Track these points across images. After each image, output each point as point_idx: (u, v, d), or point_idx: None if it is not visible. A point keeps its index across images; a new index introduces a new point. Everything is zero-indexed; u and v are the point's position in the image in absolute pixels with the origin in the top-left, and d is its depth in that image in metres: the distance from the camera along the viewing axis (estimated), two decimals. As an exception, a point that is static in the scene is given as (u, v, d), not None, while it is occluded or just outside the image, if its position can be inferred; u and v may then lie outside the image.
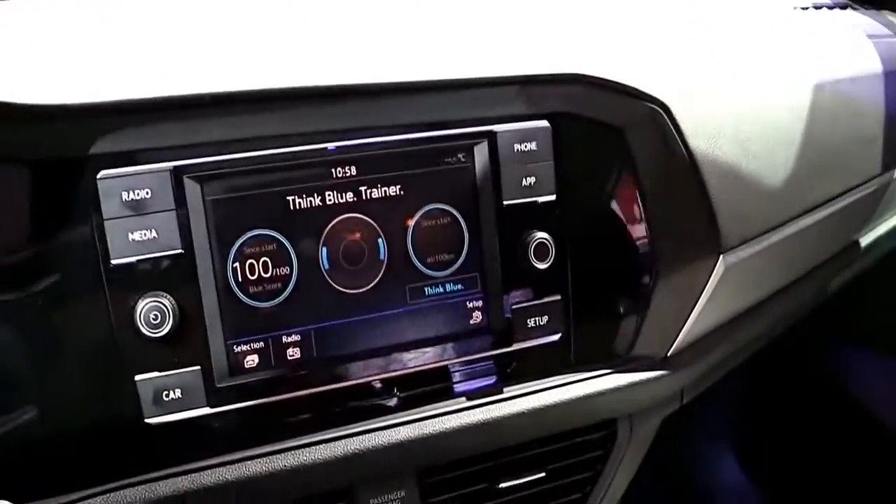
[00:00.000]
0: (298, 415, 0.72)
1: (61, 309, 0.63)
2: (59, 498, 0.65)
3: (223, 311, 0.67)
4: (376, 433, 0.74)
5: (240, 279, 0.67)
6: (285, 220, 0.68)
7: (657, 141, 0.77)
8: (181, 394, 0.66)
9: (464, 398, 0.78)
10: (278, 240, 0.68)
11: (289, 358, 0.70)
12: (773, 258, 0.88)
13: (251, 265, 0.67)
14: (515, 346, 0.77)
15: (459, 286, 0.75)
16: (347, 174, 0.69)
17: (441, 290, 0.74)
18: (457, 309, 0.75)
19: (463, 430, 0.77)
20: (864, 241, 1.11)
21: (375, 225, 0.71)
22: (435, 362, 0.75)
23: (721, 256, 0.80)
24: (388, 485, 0.79)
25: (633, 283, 0.82)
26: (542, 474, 0.87)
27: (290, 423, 0.72)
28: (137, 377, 0.65)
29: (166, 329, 0.64)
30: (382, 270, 0.72)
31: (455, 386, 0.77)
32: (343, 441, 0.73)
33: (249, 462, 0.70)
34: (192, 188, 0.65)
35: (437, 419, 0.76)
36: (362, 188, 0.70)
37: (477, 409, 0.78)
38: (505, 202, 0.75)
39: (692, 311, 0.82)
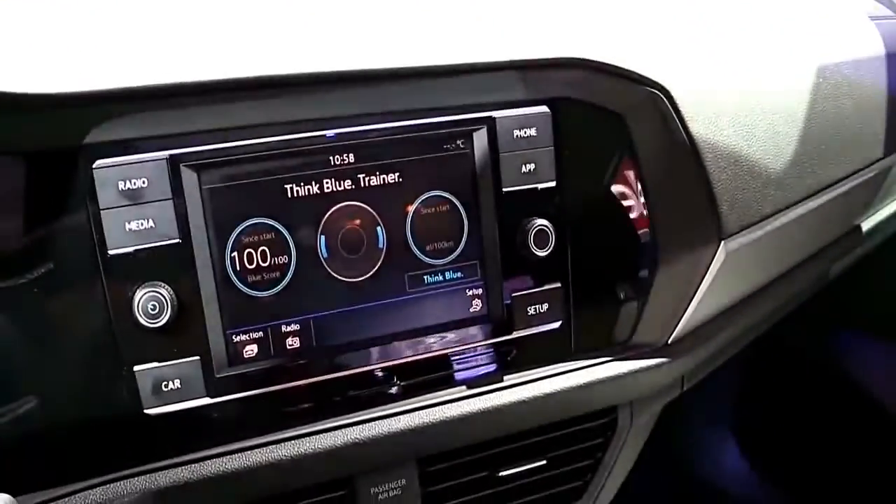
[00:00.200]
0: (298, 404, 0.72)
1: (59, 300, 0.63)
2: (58, 489, 0.65)
3: (221, 301, 0.67)
4: (376, 422, 0.74)
5: (238, 268, 0.67)
6: (283, 208, 0.67)
7: (657, 126, 0.76)
8: (180, 384, 0.66)
9: (464, 386, 0.78)
10: (276, 228, 0.67)
11: (288, 347, 0.69)
12: (775, 244, 0.88)
13: (249, 254, 0.67)
14: (515, 334, 0.77)
15: (459, 274, 0.74)
16: (346, 162, 0.69)
17: (440, 278, 0.73)
18: (456, 297, 0.74)
19: (463, 418, 0.77)
20: (866, 226, 1.11)
21: (374, 213, 0.70)
22: (435, 351, 0.75)
23: (722, 243, 0.80)
24: (388, 474, 0.79)
25: (634, 269, 0.82)
26: (543, 462, 0.87)
27: (290, 412, 0.72)
28: (136, 368, 0.65)
29: (164, 319, 0.63)
30: (381, 258, 0.71)
31: (455, 374, 0.77)
32: (343, 430, 0.73)
33: (249, 452, 0.70)
34: (189, 177, 0.64)
35: (437, 408, 0.76)
36: (361, 176, 0.69)
37: (477, 398, 0.78)
38: (504, 189, 0.74)
39: (693, 297, 0.82)
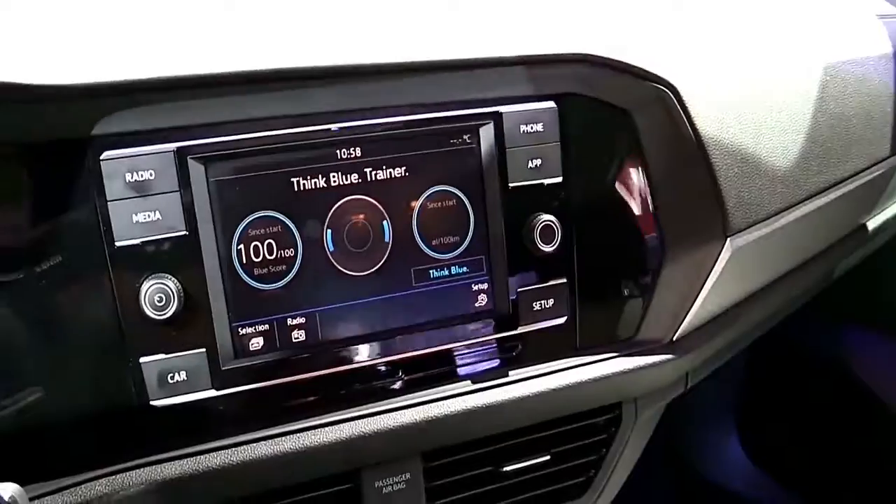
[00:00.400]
0: (303, 398, 0.72)
1: (66, 291, 0.63)
2: (64, 479, 0.65)
3: (228, 294, 0.67)
4: (381, 416, 0.74)
5: (244, 261, 0.67)
6: (290, 201, 0.67)
7: (664, 122, 0.76)
8: (186, 376, 0.66)
9: (469, 381, 0.78)
10: (283, 221, 0.67)
11: (294, 340, 0.69)
12: (781, 242, 0.88)
13: (255, 247, 0.67)
14: (521, 329, 0.77)
15: (465, 269, 0.74)
16: (352, 155, 0.69)
17: (446, 272, 0.74)
18: (462, 292, 0.75)
19: (468, 413, 0.77)
20: (872, 224, 1.10)
21: (380, 207, 0.70)
22: (440, 345, 0.75)
23: (728, 240, 0.80)
24: (393, 467, 0.79)
25: (640, 266, 0.82)
26: (547, 457, 0.87)
27: (295, 405, 0.72)
28: (142, 359, 0.65)
29: (171, 311, 0.64)
30: (387, 253, 0.71)
31: (460, 369, 0.77)
32: (348, 424, 0.73)
33: (255, 444, 0.70)
34: (196, 169, 0.64)
35: (442, 402, 0.76)
36: (367, 169, 0.69)
37: (482, 393, 0.78)
38: (511, 184, 0.74)
39: (698, 294, 0.82)
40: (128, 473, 0.67)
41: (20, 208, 0.61)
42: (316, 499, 0.77)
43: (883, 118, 0.97)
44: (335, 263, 0.70)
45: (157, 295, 0.63)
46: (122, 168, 0.62)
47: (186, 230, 0.65)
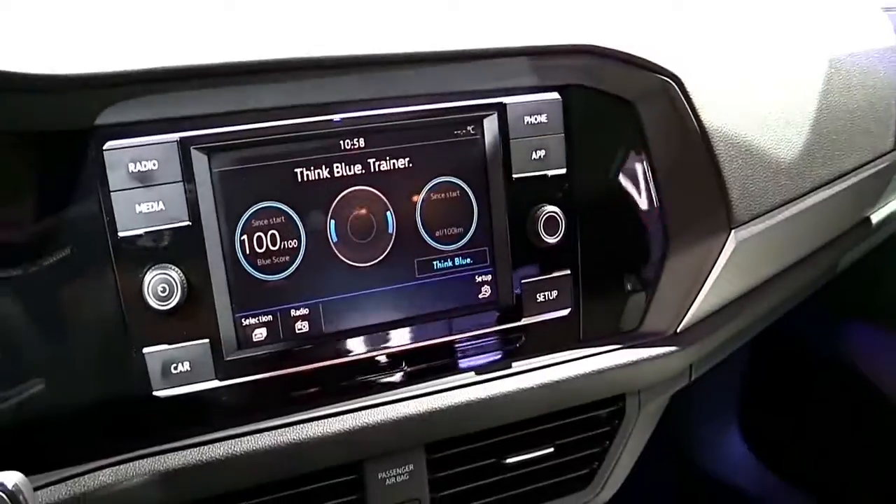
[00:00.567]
0: (306, 389, 0.72)
1: (69, 282, 0.63)
2: (68, 469, 0.65)
3: (231, 284, 0.67)
4: (384, 407, 0.74)
5: (247, 252, 0.67)
6: (293, 192, 0.67)
7: (669, 114, 0.76)
8: (189, 367, 0.66)
9: (472, 373, 0.78)
10: (286, 212, 0.67)
11: (297, 331, 0.69)
12: (784, 234, 0.87)
13: (259, 238, 0.67)
14: (524, 321, 0.77)
15: (468, 260, 0.74)
16: (356, 146, 0.69)
17: (450, 263, 0.73)
18: (465, 283, 0.74)
19: (471, 404, 0.77)
20: (876, 217, 1.10)
21: (384, 198, 0.70)
22: (443, 337, 0.75)
23: (732, 232, 0.80)
24: (396, 459, 0.80)
25: (643, 257, 0.81)
26: (551, 450, 0.87)
27: (298, 396, 0.72)
28: (146, 350, 0.65)
29: (174, 302, 0.64)
30: (391, 244, 0.71)
31: (463, 360, 0.77)
32: (351, 415, 0.73)
33: (258, 435, 0.70)
34: (199, 160, 0.64)
35: (445, 394, 0.76)
36: (371, 160, 0.69)
37: (485, 384, 0.78)
38: (515, 175, 0.74)
39: (702, 286, 0.82)
40: (131, 464, 0.67)
41: (24, 199, 0.61)
42: (319, 490, 0.77)
43: (887, 111, 0.96)
44: (338, 254, 0.70)
45: (161, 285, 0.63)
46: (125, 158, 0.62)
47: (190, 220, 0.65)
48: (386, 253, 0.71)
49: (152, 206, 0.63)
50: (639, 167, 0.78)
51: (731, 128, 0.77)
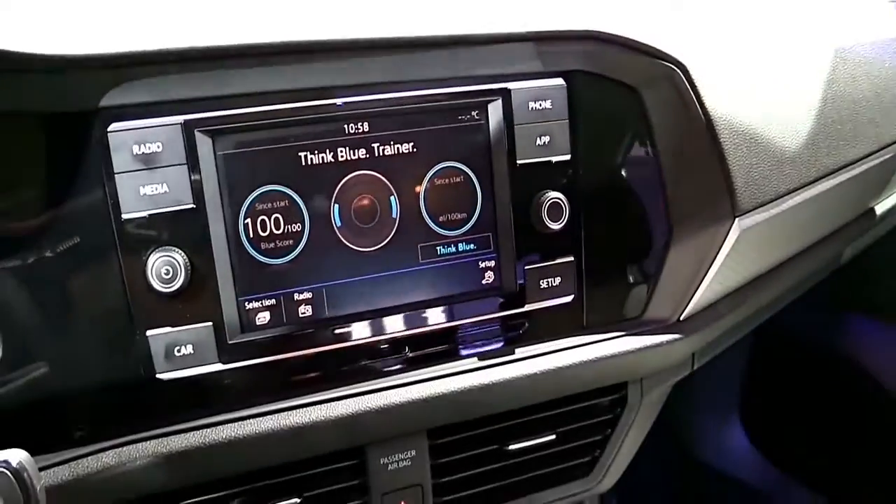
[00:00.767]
0: (309, 373, 0.72)
1: (73, 264, 0.63)
2: (72, 450, 0.65)
3: (235, 268, 0.67)
4: (387, 392, 0.74)
5: (251, 235, 0.67)
6: (297, 175, 0.67)
7: (674, 101, 0.76)
8: (193, 349, 0.66)
9: (475, 358, 0.78)
10: (290, 196, 0.67)
11: (300, 315, 0.69)
12: (789, 223, 0.87)
13: (263, 221, 0.67)
14: (527, 307, 0.77)
15: (472, 246, 0.74)
16: (360, 130, 0.68)
17: (453, 249, 0.73)
18: (469, 269, 0.74)
19: (474, 390, 0.77)
20: (880, 208, 1.10)
21: (388, 182, 0.70)
22: (446, 322, 0.75)
23: (736, 220, 0.79)
24: (398, 444, 0.80)
25: (647, 245, 0.81)
26: (553, 437, 0.87)
27: (301, 380, 0.72)
28: (149, 332, 0.65)
29: (178, 284, 0.64)
30: (394, 229, 0.71)
31: (466, 346, 0.77)
32: (353, 400, 0.73)
33: (260, 419, 0.70)
34: (203, 142, 0.64)
35: (447, 379, 0.76)
36: (375, 145, 0.69)
37: (488, 370, 0.78)
38: (519, 161, 0.74)
39: (706, 274, 0.82)
40: (134, 445, 0.67)
41: (28, 181, 0.61)
42: (321, 474, 0.77)
43: (893, 101, 0.96)
44: (342, 239, 0.70)
45: (164, 268, 0.63)
46: (129, 140, 0.62)
47: (194, 203, 0.64)
48: (389, 238, 0.71)
49: (156, 189, 0.63)
50: (643, 154, 0.78)
51: (736, 115, 0.77)
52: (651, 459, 1.13)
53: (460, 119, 0.72)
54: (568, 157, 0.76)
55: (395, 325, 0.73)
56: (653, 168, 0.78)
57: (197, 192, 0.64)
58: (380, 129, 0.69)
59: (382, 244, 0.71)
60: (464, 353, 0.77)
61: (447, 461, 0.83)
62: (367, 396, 0.73)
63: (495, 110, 0.72)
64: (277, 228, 0.67)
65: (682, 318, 0.85)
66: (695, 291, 0.83)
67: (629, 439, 0.94)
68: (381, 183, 0.70)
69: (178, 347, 0.66)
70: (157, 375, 0.66)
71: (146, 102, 0.63)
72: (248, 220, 0.67)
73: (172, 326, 0.66)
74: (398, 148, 0.70)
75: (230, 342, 0.67)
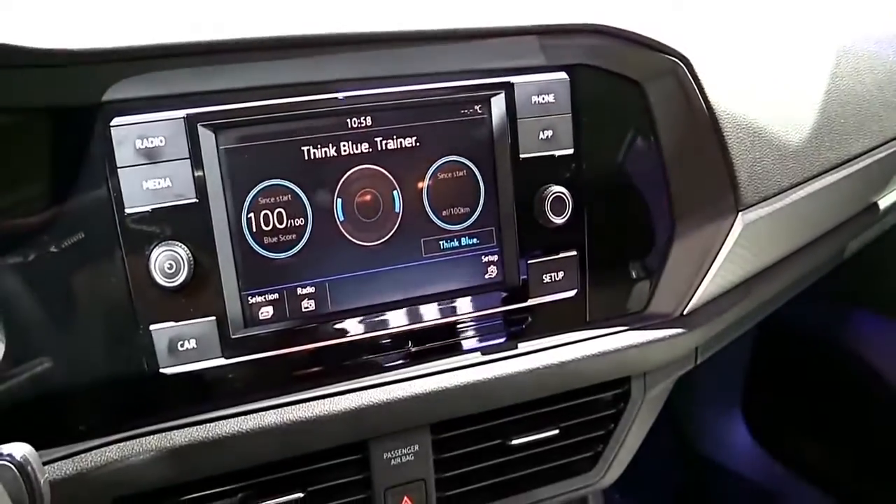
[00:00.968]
0: (312, 367, 0.72)
1: (76, 258, 0.63)
2: (76, 445, 0.65)
3: (238, 262, 0.67)
4: (390, 387, 0.74)
5: (254, 229, 0.67)
6: (300, 170, 0.67)
7: (677, 95, 0.76)
8: (196, 344, 0.66)
9: (478, 353, 0.78)
10: (293, 190, 0.67)
11: (303, 310, 0.69)
12: (792, 218, 0.87)
13: (266, 216, 0.67)
14: (531, 302, 0.77)
15: (475, 240, 0.74)
16: (363, 124, 0.68)
17: (456, 243, 0.73)
18: (472, 263, 0.74)
19: (477, 385, 0.77)
20: (883, 203, 1.10)
21: (391, 177, 0.70)
22: (449, 316, 0.75)
23: (739, 214, 0.79)
24: (401, 439, 0.80)
25: (650, 239, 0.81)
26: (556, 432, 0.87)
27: (304, 375, 0.72)
28: (153, 327, 0.65)
29: (181, 279, 0.64)
30: (397, 223, 0.71)
31: (469, 341, 0.77)
32: (357, 394, 0.73)
33: (263, 413, 0.70)
34: (206, 136, 0.64)
35: (451, 373, 0.76)
36: (378, 139, 0.69)
37: (491, 365, 0.78)
38: (522, 155, 0.74)
39: (709, 269, 0.82)
40: (138, 440, 0.67)
41: (31, 175, 0.61)
42: (325, 469, 0.77)
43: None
44: (345, 233, 0.70)
45: (168, 262, 0.63)
46: (132, 134, 0.62)
47: (196, 198, 0.64)
48: (392, 232, 0.71)
49: (159, 183, 0.63)
50: (646, 148, 0.78)
51: (740, 109, 0.77)
52: (654, 454, 1.13)
53: (463, 113, 0.72)
54: (571, 151, 0.76)
55: (398, 319, 0.73)
56: (656, 162, 0.78)
57: (200, 186, 0.64)
58: (383, 124, 0.69)
59: (385, 239, 0.71)
60: (467, 347, 0.77)
61: (450, 456, 0.83)
62: (370, 391, 0.73)
63: (498, 104, 0.72)
64: (280, 223, 0.67)
65: (685, 313, 0.85)
66: (698, 286, 0.82)
67: (632, 434, 0.94)
68: (384, 177, 0.70)
69: (181, 342, 0.66)
70: (161, 370, 0.66)
71: (149, 97, 0.63)
72: (251, 215, 0.67)
73: (176, 321, 0.66)
74: (401, 142, 0.70)
75: (233, 337, 0.67)
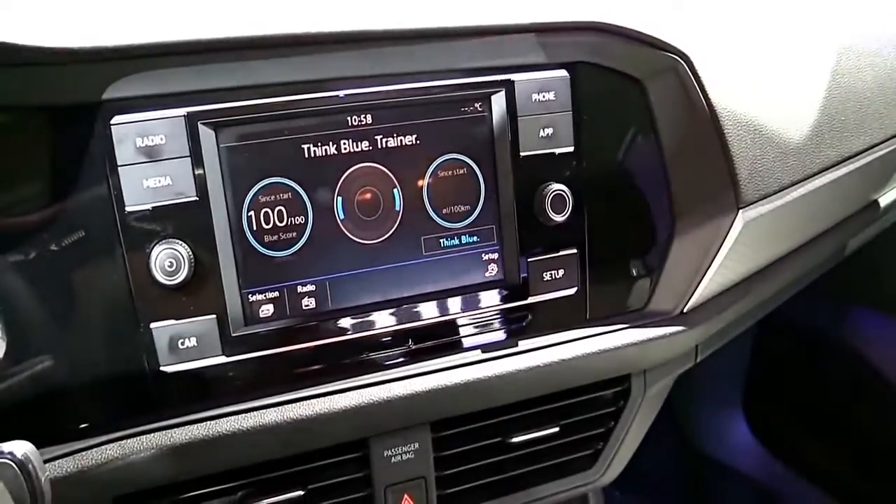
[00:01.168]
0: (313, 365, 0.72)
1: (77, 256, 0.63)
2: (76, 443, 0.65)
3: (238, 260, 0.67)
4: (390, 384, 0.74)
5: (255, 228, 0.67)
6: (300, 168, 0.67)
7: (677, 93, 0.76)
8: (196, 342, 0.66)
9: (478, 351, 0.78)
10: (293, 188, 0.67)
11: (304, 308, 0.69)
12: (792, 215, 0.87)
13: (266, 214, 0.67)
14: (531, 300, 0.77)
15: (475, 238, 0.74)
16: (363, 122, 0.68)
17: (457, 241, 0.73)
18: (472, 261, 0.74)
19: (477, 383, 0.77)
20: (885, 200, 1.09)
21: (391, 175, 0.70)
22: (450, 314, 0.75)
23: (740, 212, 0.79)
24: (402, 437, 0.80)
25: (651, 237, 0.81)
26: (556, 429, 0.87)
27: (304, 373, 0.72)
28: (153, 325, 0.65)
29: (181, 277, 0.64)
30: (398, 221, 0.71)
31: (470, 339, 0.77)
32: (357, 392, 0.73)
33: (264, 411, 0.70)
34: (206, 135, 0.64)
35: (451, 371, 0.76)
36: (378, 137, 0.69)
37: (491, 363, 0.78)
38: (522, 153, 0.74)
39: (709, 266, 0.82)
40: (138, 438, 0.67)
41: (32, 173, 0.61)
42: (325, 467, 0.77)
43: (896, 94, 0.96)
44: (345, 231, 0.70)
45: (168, 260, 0.63)
46: (132, 133, 0.62)
47: (197, 196, 0.64)
48: (393, 230, 0.71)
49: (160, 181, 0.63)
50: (647, 146, 0.78)
51: (740, 107, 0.77)
52: (654, 452, 1.13)
53: (463, 111, 0.72)
54: (571, 148, 0.76)
55: (398, 317, 0.73)
56: (656, 160, 0.78)
57: (200, 184, 0.64)
58: (383, 122, 0.69)
59: (386, 236, 0.71)
60: (467, 345, 0.77)
61: (450, 453, 0.83)
62: (370, 389, 0.73)
63: (498, 102, 0.72)
64: (280, 221, 0.67)
65: (685, 311, 0.85)
66: (698, 283, 0.82)
67: (632, 432, 0.94)
68: (385, 175, 0.70)
69: (181, 340, 0.66)
70: (161, 368, 0.66)
71: (149, 95, 0.63)
72: (252, 213, 0.67)
73: (176, 319, 0.66)
74: (401, 140, 0.70)
75: (234, 335, 0.68)
